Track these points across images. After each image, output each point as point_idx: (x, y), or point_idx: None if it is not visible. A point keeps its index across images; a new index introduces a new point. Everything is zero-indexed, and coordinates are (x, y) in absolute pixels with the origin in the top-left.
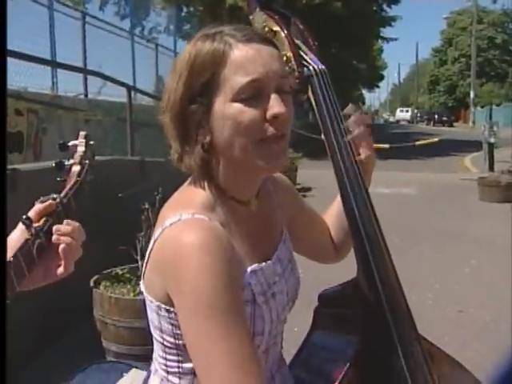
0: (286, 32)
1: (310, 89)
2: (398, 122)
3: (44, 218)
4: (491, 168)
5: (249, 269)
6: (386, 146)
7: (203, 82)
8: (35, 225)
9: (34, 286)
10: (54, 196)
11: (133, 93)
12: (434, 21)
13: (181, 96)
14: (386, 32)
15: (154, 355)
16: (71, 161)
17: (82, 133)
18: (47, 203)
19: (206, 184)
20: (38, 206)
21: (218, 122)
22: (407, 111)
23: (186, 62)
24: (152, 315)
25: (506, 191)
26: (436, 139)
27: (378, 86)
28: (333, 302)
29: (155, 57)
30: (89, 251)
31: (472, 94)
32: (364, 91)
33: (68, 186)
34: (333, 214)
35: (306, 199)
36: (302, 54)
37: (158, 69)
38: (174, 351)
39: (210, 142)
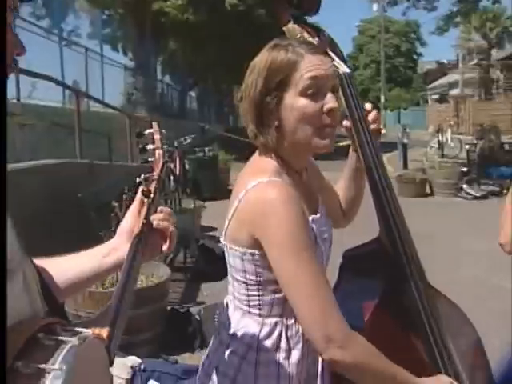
0: (319, 42)
1: (340, 89)
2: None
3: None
4: (405, 166)
5: (310, 218)
6: None
7: (278, 81)
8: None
9: (145, 261)
10: (154, 174)
11: (72, 96)
12: (347, 28)
13: (260, 90)
14: None
15: (230, 298)
16: (153, 146)
17: (155, 123)
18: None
19: (274, 156)
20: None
21: (287, 111)
22: None
23: (264, 65)
24: (235, 261)
25: (420, 187)
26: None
27: None
28: (357, 258)
29: (84, 61)
30: (55, 248)
31: (382, 99)
32: None
33: (159, 167)
34: (342, 187)
35: None
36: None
37: (87, 72)
38: (255, 287)
39: (278, 125)
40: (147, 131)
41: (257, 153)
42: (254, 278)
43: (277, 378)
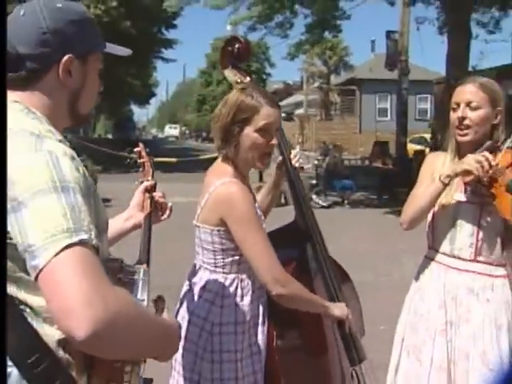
0: (249, 81)
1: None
2: (166, 138)
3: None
4: (261, 179)
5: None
6: (174, 159)
7: (243, 117)
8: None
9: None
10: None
11: None
12: (201, 44)
13: (229, 120)
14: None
15: (199, 263)
16: (143, 160)
17: (141, 144)
18: (153, 182)
19: (231, 164)
20: (150, 183)
21: (244, 138)
22: (175, 128)
23: (234, 103)
24: (206, 237)
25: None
26: (216, 154)
27: (148, 103)
28: (283, 233)
29: None
30: None
31: None
32: (134, 107)
33: (151, 173)
34: (263, 194)
35: (107, 209)
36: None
37: None
38: (220, 253)
39: (236, 145)
40: (136, 149)
41: (218, 160)
42: (219, 247)
43: (235, 315)
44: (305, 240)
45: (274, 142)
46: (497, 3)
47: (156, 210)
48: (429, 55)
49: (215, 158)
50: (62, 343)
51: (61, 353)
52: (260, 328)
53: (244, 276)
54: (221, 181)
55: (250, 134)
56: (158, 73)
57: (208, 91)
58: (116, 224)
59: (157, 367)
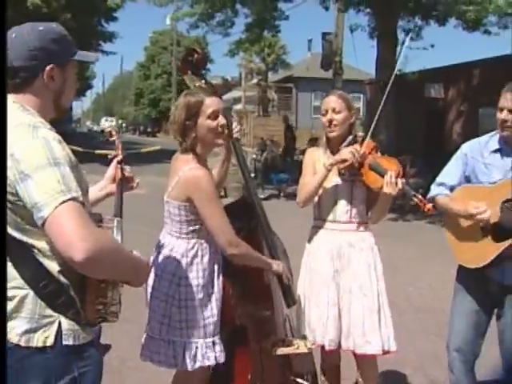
0: (206, 84)
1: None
2: (102, 131)
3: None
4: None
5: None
6: (158, 147)
7: (193, 112)
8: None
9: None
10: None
11: None
12: (139, 37)
13: (183, 118)
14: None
15: (168, 231)
16: (113, 138)
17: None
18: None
19: (192, 153)
20: (121, 157)
21: (200, 128)
22: (112, 121)
23: (184, 104)
24: (174, 210)
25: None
26: (158, 147)
27: (84, 95)
28: (234, 208)
29: None
30: None
31: (173, 109)
32: None
33: (120, 148)
34: (218, 168)
35: None
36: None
37: None
38: (185, 223)
39: (195, 136)
40: (106, 129)
41: (179, 152)
42: (184, 218)
43: (196, 270)
44: (251, 211)
45: (223, 121)
46: (420, 12)
47: (126, 180)
48: (361, 56)
49: (156, 151)
50: (61, 272)
51: (62, 278)
52: (216, 281)
53: (203, 241)
54: (188, 166)
55: (203, 122)
56: (95, 64)
57: (146, 84)
58: (92, 193)
59: (136, 315)
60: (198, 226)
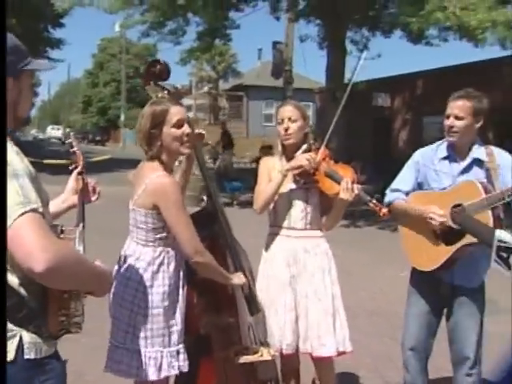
0: (167, 93)
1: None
2: (49, 139)
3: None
4: None
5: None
6: (107, 156)
7: (159, 121)
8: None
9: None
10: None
11: None
12: (87, 44)
13: (148, 126)
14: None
15: (134, 239)
16: (74, 149)
17: (72, 134)
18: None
19: (157, 162)
20: (81, 168)
21: (166, 136)
22: (59, 129)
23: (149, 113)
24: (141, 218)
25: None
26: (108, 156)
27: None
28: (198, 217)
29: None
30: None
31: (122, 117)
32: None
33: (82, 159)
34: (180, 175)
35: None
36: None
37: None
38: (151, 231)
39: (161, 144)
40: (67, 141)
41: (145, 160)
42: (151, 226)
43: (162, 279)
44: (214, 219)
45: (188, 129)
46: (367, 24)
47: (87, 191)
48: (311, 66)
49: (106, 160)
50: (22, 285)
51: (22, 291)
52: (181, 289)
53: (169, 249)
54: (155, 174)
55: (168, 131)
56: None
57: (95, 92)
58: (54, 206)
59: (92, 328)
60: (164, 234)
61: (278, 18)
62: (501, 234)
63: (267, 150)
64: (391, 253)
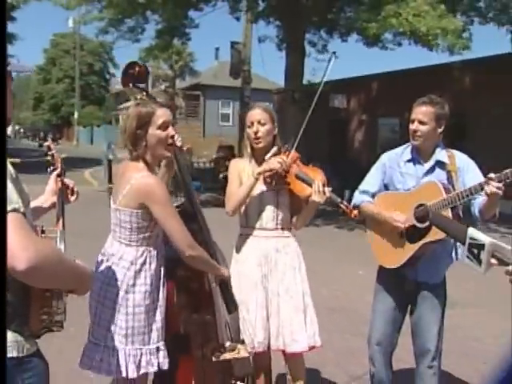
0: (147, 96)
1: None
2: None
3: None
4: (110, 181)
5: None
6: (18, 160)
7: (144, 122)
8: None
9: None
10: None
11: None
12: (38, 39)
13: (134, 127)
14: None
15: (116, 239)
16: (52, 152)
17: (50, 137)
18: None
19: (142, 162)
20: (60, 170)
21: (151, 137)
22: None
23: (135, 114)
24: (125, 217)
25: None
26: (64, 155)
27: None
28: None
29: None
30: None
31: (76, 115)
32: None
33: (60, 161)
34: (160, 176)
35: None
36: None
37: None
38: (135, 230)
39: (145, 145)
40: (45, 144)
41: (128, 160)
42: (136, 225)
43: (145, 277)
44: (193, 220)
45: (173, 132)
46: (325, 27)
47: (66, 191)
48: (269, 66)
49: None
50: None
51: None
52: (161, 288)
53: (151, 248)
54: (140, 174)
55: (153, 132)
56: None
57: (47, 89)
58: (35, 206)
59: (81, 323)
60: (148, 234)
61: (237, 19)
62: (473, 232)
63: (225, 149)
64: (350, 251)
